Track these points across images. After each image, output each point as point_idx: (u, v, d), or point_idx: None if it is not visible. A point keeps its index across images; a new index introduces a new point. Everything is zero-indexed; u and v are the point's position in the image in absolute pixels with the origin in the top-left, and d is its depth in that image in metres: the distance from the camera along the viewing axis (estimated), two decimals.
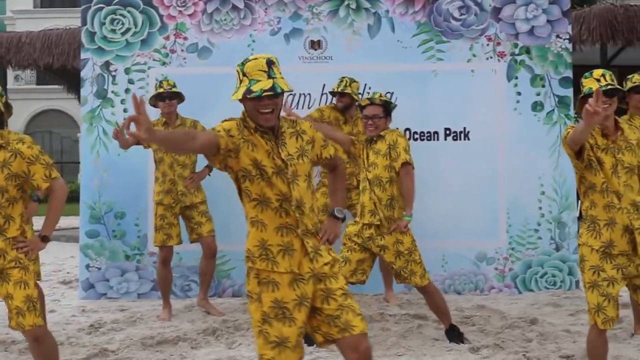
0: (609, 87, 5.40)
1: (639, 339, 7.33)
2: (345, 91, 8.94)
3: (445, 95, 9.61)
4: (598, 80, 5.45)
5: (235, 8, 9.73)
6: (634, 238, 5.40)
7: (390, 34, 9.66)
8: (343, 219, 4.69)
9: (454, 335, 7.31)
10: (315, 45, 9.70)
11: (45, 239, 5.53)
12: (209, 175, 8.72)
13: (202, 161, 8.90)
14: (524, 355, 6.81)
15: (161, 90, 8.64)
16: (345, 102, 8.99)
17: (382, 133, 7.22)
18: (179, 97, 8.74)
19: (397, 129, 7.39)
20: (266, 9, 9.73)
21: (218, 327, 7.87)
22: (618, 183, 5.43)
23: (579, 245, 5.54)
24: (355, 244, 7.20)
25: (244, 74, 4.35)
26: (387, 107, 7.21)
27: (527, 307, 8.83)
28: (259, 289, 4.41)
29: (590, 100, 4.96)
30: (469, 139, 9.58)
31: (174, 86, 8.71)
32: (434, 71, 9.63)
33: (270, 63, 4.35)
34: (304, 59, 9.67)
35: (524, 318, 8.10)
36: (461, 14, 9.68)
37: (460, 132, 9.59)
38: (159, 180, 8.69)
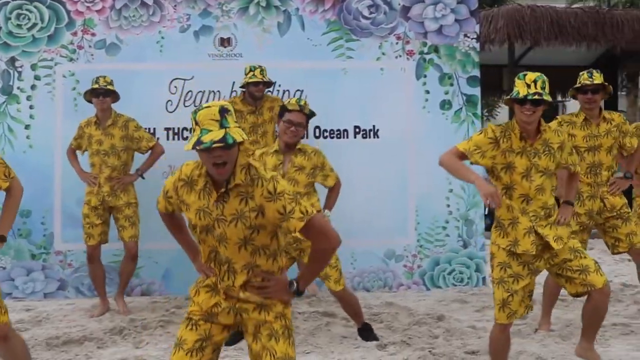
0: (535, 96, 5.43)
1: (542, 334, 7.46)
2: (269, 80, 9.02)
3: (355, 93, 9.65)
4: (528, 86, 5.48)
5: (144, 4, 9.63)
6: (538, 241, 5.52)
7: (300, 32, 9.67)
8: (297, 294, 4.35)
9: (367, 333, 7.36)
10: (225, 42, 9.65)
11: (2, 238, 5.41)
12: (142, 178, 8.72)
13: (136, 162, 8.84)
14: (429, 351, 6.88)
15: (96, 86, 8.61)
16: (264, 90, 9.04)
17: (302, 147, 7.18)
18: (113, 94, 8.68)
19: (316, 147, 7.43)
20: (175, 5, 9.65)
21: (125, 327, 7.79)
22: (529, 187, 5.53)
23: (490, 243, 5.67)
24: None
25: (197, 123, 4.11)
26: (309, 118, 7.23)
27: (435, 303, 8.92)
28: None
29: (492, 197, 5.23)
30: (378, 137, 9.64)
31: (110, 83, 8.67)
32: (343, 69, 9.66)
33: (223, 111, 4.09)
34: (214, 57, 9.62)
35: (431, 314, 8.19)
36: (371, 13, 9.73)
37: (370, 130, 9.64)
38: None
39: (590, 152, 7.37)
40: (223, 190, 4.18)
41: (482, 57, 9.99)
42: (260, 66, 9.03)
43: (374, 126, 9.65)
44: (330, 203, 7.40)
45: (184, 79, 9.58)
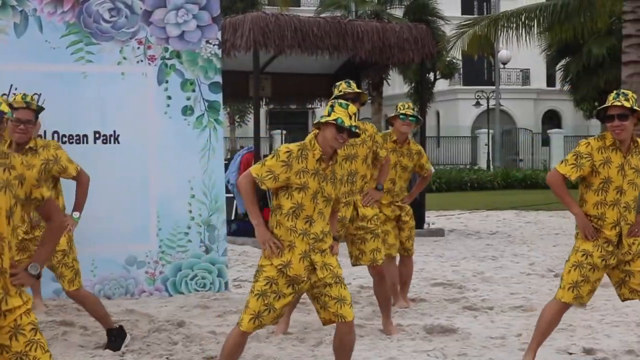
0: (357, 129, 5.65)
1: (279, 337, 7.59)
2: None
3: (95, 97, 9.48)
4: (351, 118, 5.62)
5: None
6: (311, 266, 5.65)
7: (38, 33, 9.38)
8: (38, 277, 4.50)
9: (117, 335, 7.29)
10: None
11: None
12: None
13: None
14: (167, 358, 6.88)
15: None
16: None
17: (32, 144, 7.09)
18: None
19: (52, 140, 7.40)
20: None
21: None
22: (314, 209, 5.65)
23: (263, 256, 5.72)
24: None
25: None
26: (38, 114, 7.09)
27: (176, 309, 8.89)
28: None
29: (269, 246, 5.59)
30: (119, 142, 9.51)
31: None
32: (83, 73, 9.47)
33: None
34: None
35: (172, 321, 8.16)
36: (112, 16, 9.58)
37: (110, 136, 9.49)
38: None
39: (347, 160, 7.56)
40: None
41: (228, 63, 10.06)
42: None
43: (114, 131, 9.51)
44: (78, 202, 7.32)
45: None
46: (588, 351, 7.11)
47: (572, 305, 6.47)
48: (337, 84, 7.65)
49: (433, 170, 9.27)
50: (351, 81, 7.69)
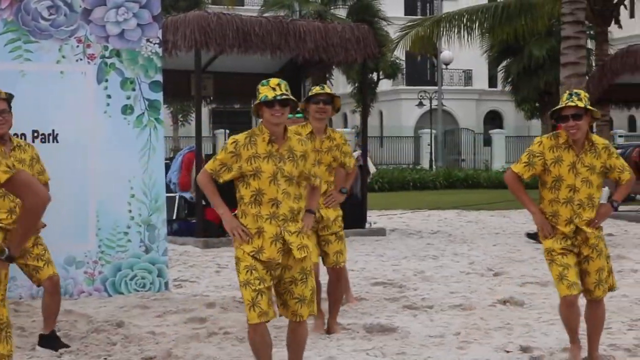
0: (284, 97, 5.68)
1: (219, 337, 7.59)
2: None
3: (34, 96, 9.37)
4: (274, 89, 5.70)
5: None
6: (286, 247, 5.71)
7: None
8: (9, 260, 4.22)
9: (50, 341, 7.22)
10: None
11: None
12: None
13: None
14: (105, 359, 6.85)
15: None
16: None
17: (17, 143, 7.36)
18: None
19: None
20: None
21: None
22: (277, 190, 5.70)
23: (235, 248, 5.79)
24: None
25: None
26: (10, 101, 7.19)
27: (116, 310, 8.83)
28: None
29: (238, 232, 5.67)
30: (57, 142, 9.41)
31: None
32: (21, 71, 9.36)
33: None
34: None
35: (111, 321, 8.11)
36: (50, 14, 9.48)
37: (49, 135, 9.40)
38: None
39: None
40: None
41: (169, 62, 10.01)
42: None
43: (53, 130, 9.41)
44: None
45: None
46: (525, 349, 7.20)
47: (575, 295, 6.44)
48: (312, 87, 7.83)
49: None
50: (324, 85, 7.87)
